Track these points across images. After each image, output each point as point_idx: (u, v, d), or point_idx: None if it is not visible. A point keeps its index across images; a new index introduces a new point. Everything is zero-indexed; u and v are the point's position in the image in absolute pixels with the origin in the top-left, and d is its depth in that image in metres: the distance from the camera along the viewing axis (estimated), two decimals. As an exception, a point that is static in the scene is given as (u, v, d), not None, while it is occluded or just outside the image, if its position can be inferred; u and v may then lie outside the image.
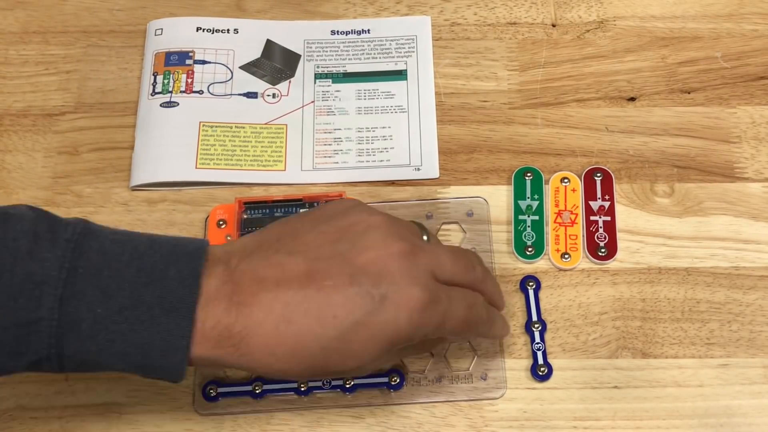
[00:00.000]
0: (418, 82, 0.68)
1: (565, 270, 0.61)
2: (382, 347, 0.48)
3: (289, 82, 0.69)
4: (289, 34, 0.71)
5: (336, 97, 0.68)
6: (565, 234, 0.62)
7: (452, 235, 0.63)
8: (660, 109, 0.67)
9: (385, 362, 0.54)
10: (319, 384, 0.58)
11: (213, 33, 0.70)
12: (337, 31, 0.71)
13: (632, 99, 0.68)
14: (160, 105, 0.67)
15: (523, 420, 0.57)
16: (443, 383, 0.58)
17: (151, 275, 0.46)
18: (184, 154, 0.65)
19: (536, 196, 0.63)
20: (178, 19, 0.71)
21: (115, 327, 0.46)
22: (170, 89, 0.68)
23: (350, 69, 0.69)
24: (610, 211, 0.63)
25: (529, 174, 0.64)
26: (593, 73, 0.69)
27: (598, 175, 0.64)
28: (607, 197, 0.63)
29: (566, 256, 0.61)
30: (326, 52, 0.70)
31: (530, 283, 0.61)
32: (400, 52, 0.70)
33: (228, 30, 0.70)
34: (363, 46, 0.70)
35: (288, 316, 0.47)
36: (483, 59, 0.69)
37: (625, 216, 0.63)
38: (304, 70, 0.69)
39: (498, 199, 0.64)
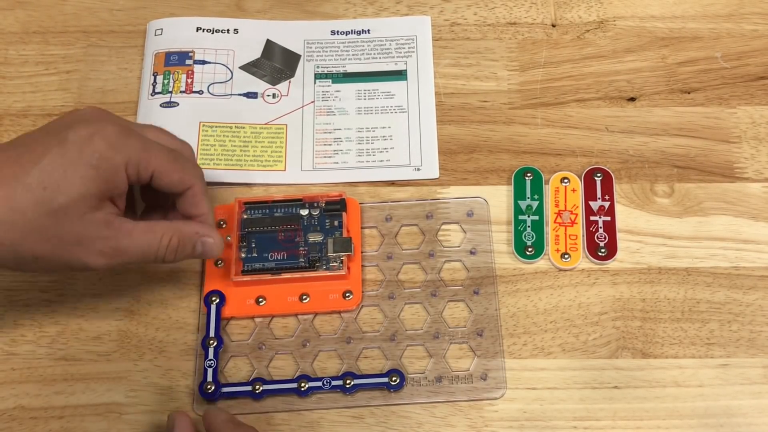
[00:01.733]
0: (418, 82, 0.68)
1: (565, 270, 0.61)
2: (84, 173, 0.50)
3: (289, 82, 0.69)
4: (289, 34, 0.71)
5: (336, 97, 0.68)
6: (565, 234, 0.62)
7: (452, 236, 0.63)
8: (660, 109, 0.67)
9: (103, 227, 0.52)
10: (319, 384, 0.58)
11: (213, 33, 0.70)
12: (337, 31, 0.71)
13: (632, 99, 0.68)
14: (160, 105, 0.67)
15: (523, 420, 0.57)
16: (443, 383, 0.58)
17: None
18: (184, 154, 0.65)
19: (536, 196, 0.63)
20: (178, 19, 0.71)
21: None
22: (170, 89, 0.68)
23: (350, 69, 0.69)
24: (610, 211, 0.63)
25: (529, 174, 0.64)
26: (593, 73, 0.69)
27: (598, 175, 0.64)
28: (607, 197, 0.63)
29: (566, 256, 0.61)
30: (326, 52, 0.70)
31: (213, 298, 0.60)
32: (400, 52, 0.70)
33: (228, 30, 0.70)
34: (363, 46, 0.70)
35: None
36: (483, 59, 0.69)
37: (625, 216, 0.63)
38: (304, 70, 0.69)
39: (498, 199, 0.64)
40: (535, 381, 0.58)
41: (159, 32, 0.70)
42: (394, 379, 0.58)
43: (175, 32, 0.70)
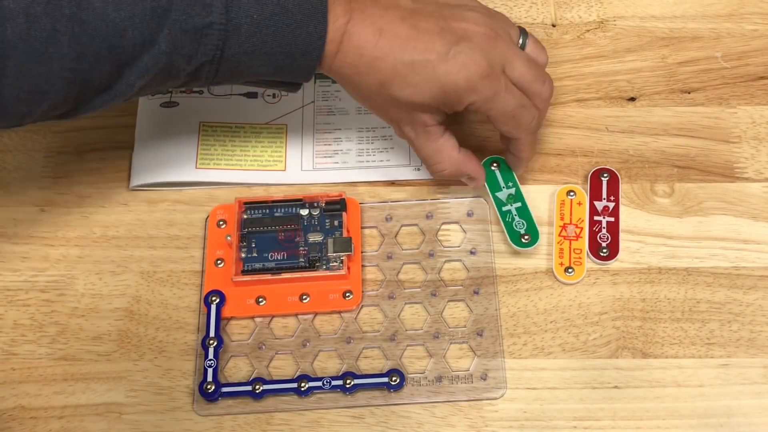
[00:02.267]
0: (418, 82, 0.68)
1: (569, 284, 0.61)
2: (435, 90, 0.56)
3: (289, 82, 0.69)
4: (289, 33, 0.71)
5: (336, 97, 0.68)
6: (570, 248, 0.62)
7: (452, 236, 0.63)
8: (660, 109, 0.67)
9: (421, 124, 0.59)
10: (320, 384, 0.58)
11: (213, 33, 0.70)
12: (337, 31, 0.71)
13: (632, 99, 0.68)
14: (160, 105, 0.67)
15: (523, 420, 0.57)
16: (443, 383, 0.58)
17: None
18: (184, 154, 0.65)
19: (510, 183, 0.63)
20: (177, 19, 0.71)
21: (267, 30, 0.53)
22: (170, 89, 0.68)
23: (350, 69, 0.69)
24: (614, 212, 0.63)
25: (494, 164, 0.63)
26: (593, 73, 0.69)
27: (605, 175, 0.64)
28: (612, 198, 0.63)
29: (570, 270, 0.61)
30: (326, 51, 0.70)
31: (213, 298, 0.60)
32: (401, 52, 0.70)
33: (228, 30, 0.70)
34: (363, 45, 0.70)
35: (384, 31, 0.55)
36: (483, 59, 0.69)
37: (625, 216, 0.63)
38: (304, 69, 0.69)
39: (498, 199, 0.64)
40: (535, 381, 0.58)
41: (159, 32, 0.70)
42: (394, 379, 0.58)
43: (175, 32, 0.70)
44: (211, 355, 0.58)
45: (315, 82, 0.69)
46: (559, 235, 0.62)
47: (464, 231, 0.63)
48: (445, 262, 0.62)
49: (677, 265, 0.62)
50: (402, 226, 0.63)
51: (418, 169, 0.65)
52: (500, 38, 0.58)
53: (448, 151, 0.60)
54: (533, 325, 0.60)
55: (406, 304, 0.61)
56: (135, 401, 0.58)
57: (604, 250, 0.62)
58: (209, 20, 0.52)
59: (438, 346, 0.59)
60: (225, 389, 0.58)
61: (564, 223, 0.62)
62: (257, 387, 0.57)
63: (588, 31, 0.71)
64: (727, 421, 0.57)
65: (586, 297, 0.61)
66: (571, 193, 0.63)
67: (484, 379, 0.58)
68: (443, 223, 0.63)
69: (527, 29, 0.61)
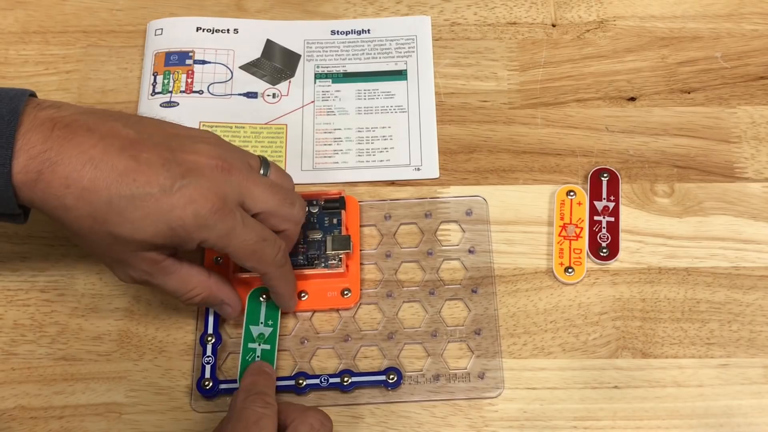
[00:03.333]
0: (418, 82, 0.68)
1: (569, 284, 0.61)
2: (160, 227, 0.51)
3: (289, 82, 0.69)
4: (289, 34, 0.71)
5: (336, 97, 0.68)
6: (570, 248, 0.62)
7: (451, 235, 0.63)
8: (660, 109, 0.67)
9: (147, 264, 0.54)
10: (317, 382, 0.58)
11: (213, 33, 0.70)
12: (337, 31, 0.71)
13: (632, 99, 0.68)
14: (160, 105, 0.67)
15: (523, 420, 0.57)
16: (441, 382, 0.58)
17: None
18: (184, 154, 0.65)
19: (270, 322, 0.59)
20: (178, 19, 0.71)
21: None
22: (170, 89, 0.68)
23: (350, 69, 0.69)
24: (615, 212, 0.63)
25: (263, 296, 0.60)
26: (593, 73, 0.69)
27: (605, 175, 0.64)
28: (612, 198, 0.63)
29: (570, 270, 0.61)
30: (326, 52, 0.70)
31: None
32: (400, 52, 0.70)
33: (228, 30, 0.70)
34: (363, 46, 0.70)
35: (97, 161, 0.50)
36: (483, 59, 0.69)
37: (625, 216, 0.63)
38: (304, 70, 0.69)
39: (498, 198, 0.64)
40: (535, 381, 0.58)
41: (159, 32, 0.70)
42: (391, 377, 0.58)
43: (175, 32, 0.70)
44: (209, 352, 0.58)
45: (315, 82, 0.69)
46: (559, 235, 0.62)
47: (463, 230, 0.63)
48: (444, 261, 0.62)
49: (677, 265, 0.62)
50: (401, 224, 0.63)
51: (418, 169, 0.65)
52: (235, 169, 0.54)
53: (195, 278, 0.56)
54: (533, 325, 0.60)
55: (404, 302, 0.61)
56: (135, 401, 0.58)
57: (604, 250, 0.61)
58: None
59: (436, 345, 0.59)
60: (223, 386, 0.58)
61: (564, 223, 0.62)
62: None
63: (588, 31, 0.71)
64: (727, 421, 0.57)
65: (586, 297, 0.61)
66: (571, 193, 0.63)
67: (482, 378, 0.58)
68: (442, 222, 0.63)
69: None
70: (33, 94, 0.53)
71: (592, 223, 0.62)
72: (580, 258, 0.61)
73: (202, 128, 0.66)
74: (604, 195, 0.63)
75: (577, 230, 0.62)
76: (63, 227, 0.53)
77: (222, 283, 0.58)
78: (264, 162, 0.57)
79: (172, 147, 0.53)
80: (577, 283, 0.61)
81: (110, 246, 0.53)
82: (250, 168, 0.56)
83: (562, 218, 0.63)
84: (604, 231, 0.62)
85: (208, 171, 0.52)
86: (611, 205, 0.63)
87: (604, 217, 0.63)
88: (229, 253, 0.54)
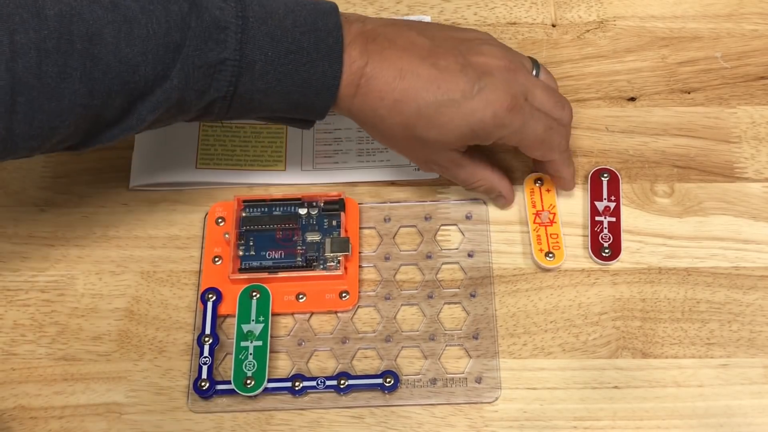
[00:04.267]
0: (418, 82, 0.68)
1: (551, 269, 0.61)
2: (463, 130, 0.56)
3: (289, 82, 0.69)
4: (289, 34, 0.71)
5: (336, 97, 0.68)
6: (546, 234, 0.62)
7: (451, 237, 0.63)
8: (660, 109, 0.67)
9: (449, 159, 0.59)
10: (314, 384, 0.58)
11: (213, 33, 0.70)
12: (337, 31, 0.71)
13: (632, 99, 0.68)
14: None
15: (523, 420, 0.57)
16: (438, 385, 0.58)
17: (305, 25, 0.54)
18: (184, 154, 0.65)
19: (262, 318, 0.59)
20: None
21: (282, 68, 0.53)
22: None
23: (350, 69, 0.69)
24: (616, 212, 0.63)
25: (255, 293, 0.60)
26: (593, 73, 0.69)
27: (605, 175, 0.64)
28: (613, 198, 0.63)
29: (550, 255, 0.61)
30: (326, 52, 0.70)
31: (210, 296, 0.60)
32: (400, 52, 0.70)
33: (228, 30, 0.70)
34: (363, 46, 0.70)
35: (404, 73, 0.55)
36: (483, 59, 0.69)
37: (625, 216, 0.63)
38: (304, 70, 0.69)
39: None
40: (535, 381, 0.58)
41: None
42: (388, 380, 0.58)
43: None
44: (206, 353, 0.58)
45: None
46: (534, 222, 0.62)
47: (463, 233, 0.63)
48: (443, 264, 0.62)
49: (677, 265, 0.62)
50: (400, 227, 0.63)
51: (418, 169, 0.65)
52: (519, 69, 0.58)
53: (481, 171, 0.61)
54: (533, 325, 0.60)
55: (402, 305, 0.61)
56: (135, 401, 0.58)
57: (606, 251, 0.61)
58: (223, 56, 0.51)
59: (433, 348, 0.59)
60: (220, 387, 0.58)
61: (537, 210, 0.63)
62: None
63: (588, 31, 0.71)
64: (727, 421, 0.57)
65: (586, 297, 0.61)
66: (539, 181, 0.64)
67: (479, 382, 0.58)
68: (442, 225, 0.63)
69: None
70: (337, 7, 0.56)
71: (594, 223, 0.62)
72: (558, 243, 0.62)
73: (201, 128, 0.66)
74: (605, 195, 0.63)
75: (551, 216, 0.62)
76: (374, 133, 0.58)
77: (502, 177, 0.62)
78: (535, 64, 0.61)
79: (462, 51, 0.57)
80: (558, 267, 0.61)
81: (419, 148, 0.58)
82: (527, 68, 0.60)
83: (534, 206, 0.63)
84: (605, 231, 0.62)
85: (497, 72, 0.57)
86: (612, 205, 0.63)
87: (605, 218, 0.63)
88: (521, 145, 0.58)
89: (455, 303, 0.60)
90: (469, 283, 0.61)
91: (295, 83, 0.54)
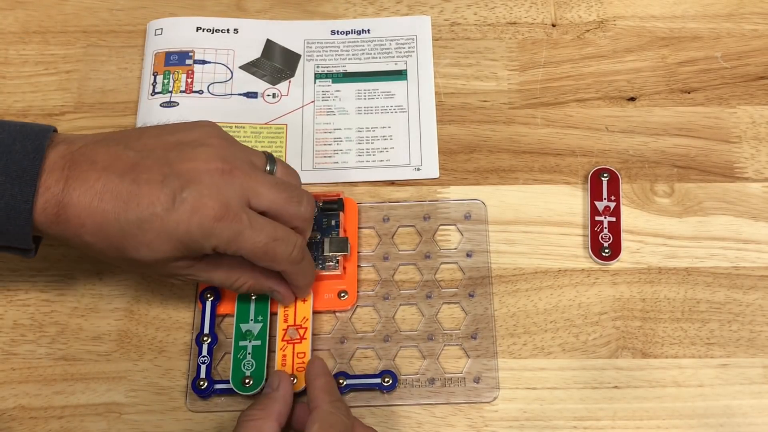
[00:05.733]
0: (418, 82, 0.68)
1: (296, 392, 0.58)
2: (173, 244, 0.52)
3: (289, 82, 0.69)
4: (289, 34, 0.71)
5: (336, 97, 0.68)
6: (293, 353, 0.58)
7: (450, 237, 0.63)
8: (660, 109, 0.67)
9: (183, 269, 0.55)
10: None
11: (213, 33, 0.70)
12: (337, 31, 0.71)
13: (632, 99, 0.68)
14: (160, 105, 0.67)
15: (523, 420, 0.57)
16: (436, 385, 0.58)
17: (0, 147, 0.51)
18: (183, 154, 0.65)
19: (260, 318, 0.59)
20: (178, 19, 0.71)
21: None
22: (170, 89, 0.68)
23: (350, 69, 0.69)
24: (616, 212, 0.63)
25: (252, 295, 0.60)
26: (593, 73, 0.69)
27: (605, 175, 0.64)
28: (613, 198, 0.63)
29: (293, 378, 0.57)
30: (326, 52, 0.70)
31: (209, 295, 0.60)
32: (400, 52, 0.70)
33: (228, 30, 0.70)
34: (363, 46, 0.70)
35: (102, 195, 0.51)
36: (483, 59, 0.69)
37: (625, 216, 0.63)
38: (304, 69, 0.69)
39: (497, 198, 0.64)
40: (535, 381, 0.58)
41: (159, 32, 0.70)
42: (386, 380, 0.58)
43: (175, 32, 0.70)
44: (204, 352, 0.58)
45: (315, 82, 0.69)
46: (282, 339, 0.59)
47: (461, 233, 0.63)
48: (442, 263, 0.62)
49: (677, 265, 0.62)
50: (399, 227, 0.63)
51: (418, 169, 0.65)
52: (237, 169, 0.54)
53: (238, 267, 0.56)
54: (533, 325, 0.60)
55: (401, 305, 0.61)
56: (135, 401, 0.58)
57: (606, 251, 0.61)
58: None
59: (432, 348, 0.59)
60: (218, 386, 0.58)
61: (288, 325, 0.59)
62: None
63: (588, 31, 0.70)
64: (727, 421, 0.57)
65: (586, 297, 0.61)
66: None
67: (477, 382, 0.58)
68: (441, 225, 0.63)
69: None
70: (55, 130, 0.54)
71: (594, 223, 0.62)
72: (304, 363, 0.58)
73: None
74: (605, 195, 0.63)
75: (301, 331, 0.59)
76: (94, 257, 0.54)
77: (266, 275, 0.57)
78: (270, 159, 0.57)
79: (170, 160, 0.53)
80: (299, 394, 0.57)
81: (142, 266, 0.54)
82: (254, 166, 0.55)
83: (285, 320, 0.59)
84: (605, 231, 0.62)
85: (207, 177, 0.52)
86: (612, 205, 0.63)
87: (605, 217, 0.63)
88: (242, 255, 0.54)
89: (454, 303, 0.60)
90: (468, 283, 0.61)
91: None
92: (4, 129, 0.52)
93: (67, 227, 0.52)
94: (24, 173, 0.51)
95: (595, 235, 0.62)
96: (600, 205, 0.63)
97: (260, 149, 0.65)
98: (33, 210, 0.51)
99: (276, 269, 0.56)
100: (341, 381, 0.58)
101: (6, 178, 0.50)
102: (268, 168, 0.56)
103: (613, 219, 0.63)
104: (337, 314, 0.60)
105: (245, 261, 0.55)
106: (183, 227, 0.52)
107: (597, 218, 0.63)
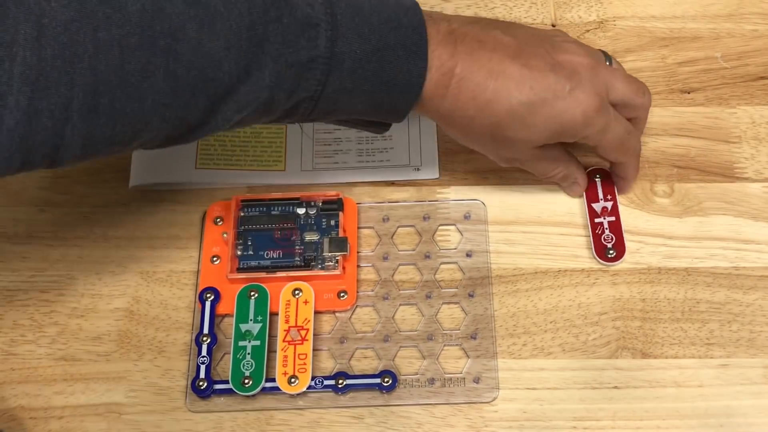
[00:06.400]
0: (418, 82, 0.68)
1: (293, 395, 0.58)
2: (554, 128, 0.56)
3: (289, 82, 0.69)
4: (290, 34, 0.71)
5: (336, 97, 0.68)
6: (294, 354, 0.58)
7: (449, 237, 0.63)
8: (660, 109, 0.67)
9: (533, 159, 0.60)
10: (311, 384, 0.58)
11: (213, 33, 0.70)
12: (337, 32, 0.71)
13: (632, 99, 0.68)
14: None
15: (523, 420, 0.57)
16: (436, 385, 0.58)
17: (390, 22, 0.53)
18: (183, 154, 0.65)
19: (260, 318, 0.59)
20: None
21: (369, 66, 0.52)
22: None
23: (350, 69, 0.69)
24: (614, 211, 0.63)
25: (253, 292, 0.60)
26: (593, 73, 0.69)
27: (598, 176, 0.64)
28: (609, 197, 0.63)
29: (294, 379, 0.57)
30: (326, 52, 0.70)
31: (208, 295, 0.60)
32: (400, 53, 0.70)
33: (228, 30, 0.70)
34: (363, 46, 0.70)
35: (496, 73, 0.55)
36: (483, 59, 0.69)
37: (625, 216, 0.63)
38: (304, 70, 0.69)
39: (497, 199, 0.64)
40: (535, 381, 0.58)
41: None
42: (386, 380, 0.58)
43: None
44: (204, 352, 0.58)
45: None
46: (284, 341, 0.58)
47: (461, 233, 0.63)
48: (441, 264, 0.62)
49: (677, 265, 0.62)
50: (399, 227, 0.63)
51: (418, 169, 0.65)
52: (600, 65, 0.58)
53: (561, 161, 0.61)
54: (533, 325, 0.60)
55: (401, 305, 0.61)
56: (135, 401, 0.58)
57: (611, 251, 0.61)
58: (314, 54, 0.50)
59: (432, 348, 0.59)
60: (218, 386, 0.58)
61: (289, 326, 0.59)
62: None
63: (588, 31, 0.70)
64: (727, 421, 0.57)
65: (586, 297, 0.61)
66: (297, 292, 0.60)
67: (477, 383, 0.58)
68: (440, 225, 0.63)
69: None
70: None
71: (594, 225, 0.62)
72: (305, 364, 0.58)
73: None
74: (601, 196, 0.63)
75: (303, 332, 0.59)
76: (458, 133, 0.58)
77: (578, 164, 0.63)
78: (606, 55, 0.61)
79: (549, 50, 0.57)
80: (299, 394, 0.58)
81: (504, 147, 0.58)
82: (603, 62, 0.60)
83: (287, 320, 0.59)
84: (607, 232, 0.62)
85: (583, 70, 0.57)
86: (609, 204, 0.63)
87: (604, 218, 0.63)
88: (600, 145, 0.59)
89: (454, 303, 0.60)
90: (468, 283, 0.61)
91: (381, 81, 0.53)
92: (386, 3, 0.53)
93: (456, 101, 0.55)
94: (417, 47, 0.53)
95: (597, 238, 0.62)
96: (597, 207, 0.63)
97: (260, 149, 0.66)
98: (424, 83, 0.54)
99: (620, 160, 0.61)
100: (341, 381, 0.58)
101: (404, 53, 0.53)
102: (607, 62, 0.60)
103: (613, 218, 0.63)
104: (337, 314, 0.60)
105: (563, 153, 0.61)
106: (569, 114, 0.55)
107: (596, 220, 0.63)
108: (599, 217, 0.63)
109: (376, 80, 0.53)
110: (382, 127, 0.58)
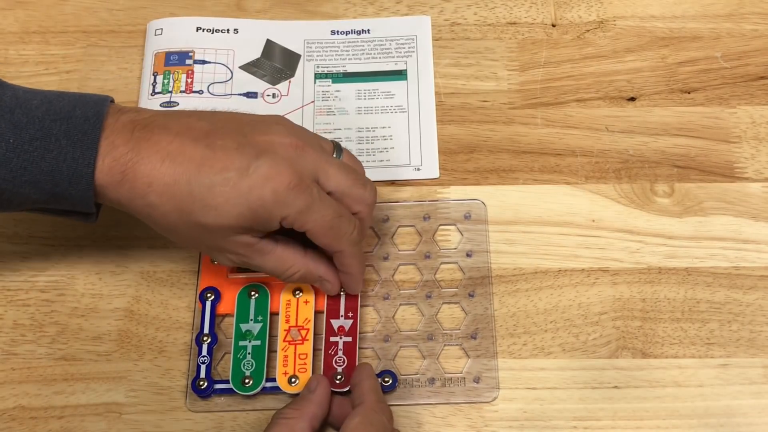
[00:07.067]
0: (418, 82, 0.68)
1: (293, 396, 0.58)
2: (241, 209, 0.52)
3: (289, 82, 0.69)
4: (289, 34, 0.71)
5: (336, 97, 0.68)
6: (295, 354, 0.58)
7: (449, 237, 0.63)
8: (660, 109, 0.67)
9: (242, 247, 0.54)
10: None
11: (213, 33, 0.70)
12: (337, 31, 0.71)
13: (632, 99, 0.68)
14: (160, 105, 0.67)
15: (523, 420, 0.57)
16: (436, 385, 0.58)
17: (59, 114, 0.52)
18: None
19: (260, 318, 0.59)
20: (178, 19, 0.71)
21: (26, 156, 0.51)
22: (170, 89, 0.68)
23: (350, 69, 0.69)
24: (352, 331, 0.59)
25: (254, 292, 0.60)
26: (593, 73, 0.69)
27: (343, 291, 0.60)
28: (350, 315, 0.59)
29: (294, 379, 0.57)
30: (326, 52, 0.70)
31: (209, 295, 0.60)
32: (400, 52, 0.70)
33: (228, 30, 0.70)
34: (363, 46, 0.70)
35: (174, 156, 0.52)
36: (483, 59, 0.69)
37: (625, 216, 0.63)
38: (304, 70, 0.69)
39: (498, 198, 0.64)
40: (535, 381, 0.58)
41: (159, 32, 0.70)
42: (386, 380, 0.58)
43: (175, 32, 0.70)
44: (204, 352, 0.58)
45: (315, 82, 0.69)
46: (284, 340, 0.58)
47: (461, 233, 0.63)
48: (442, 263, 0.62)
49: (677, 265, 0.62)
50: (399, 227, 0.63)
51: (418, 169, 0.65)
52: (309, 147, 0.55)
53: (291, 255, 0.56)
54: (533, 325, 0.60)
55: (401, 305, 0.61)
56: (135, 401, 0.58)
57: (339, 377, 0.57)
58: None
59: (432, 348, 0.59)
60: (218, 386, 0.58)
61: (289, 326, 0.59)
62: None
63: (588, 31, 0.70)
64: (727, 421, 0.57)
65: (586, 297, 0.61)
66: (298, 292, 0.60)
67: (477, 382, 0.58)
68: (441, 225, 0.63)
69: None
70: (113, 101, 0.54)
71: (328, 345, 0.58)
72: (305, 364, 0.58)
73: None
74: (342, 312, 0.59)
75: (303, 332, 0.59)
76: (152, 225, 0.54)
77: (319, 259, 0.57)
78: (337, 147, 0.58)
79: (245, 132, 0.54)
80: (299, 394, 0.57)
81: (201, 235, 0.54)
82: (323, 149, 0.56)
83: (287, 320, 0.59)
84: (340, 353, 0.58)
85: (281, 149, 0.53)
86: (348, 324, 0.59)
87: (341, 338, 0.59)
88: (307, 229, 0.54)
89: (454, 303, 0.60)
90: (468, 283, 0.61)
91: (43, 171, 0.51)
92: (64, 98, 0.53)
93: (134, 187, 0.52)
94: (85, 137, 0.51)
95: (328, 358, 0.58)
96: (336, 324, 0.59)
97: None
98: (95, 173, 0.51)
99: (334, 249, 0.56)
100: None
101: (68, 142, 0.51)
102: (335, 155, 0.57)
103: (350, 339, 0.58)
104: (337, 314, 0.61)
105: (298, 249, 0.56)
106: (256, 193, 0.52)
107: (332, 339, 0.58)
108: (336, 335, 0.59)
109: (37, 170, 0.51)
110: (82, 216, 0.55)
